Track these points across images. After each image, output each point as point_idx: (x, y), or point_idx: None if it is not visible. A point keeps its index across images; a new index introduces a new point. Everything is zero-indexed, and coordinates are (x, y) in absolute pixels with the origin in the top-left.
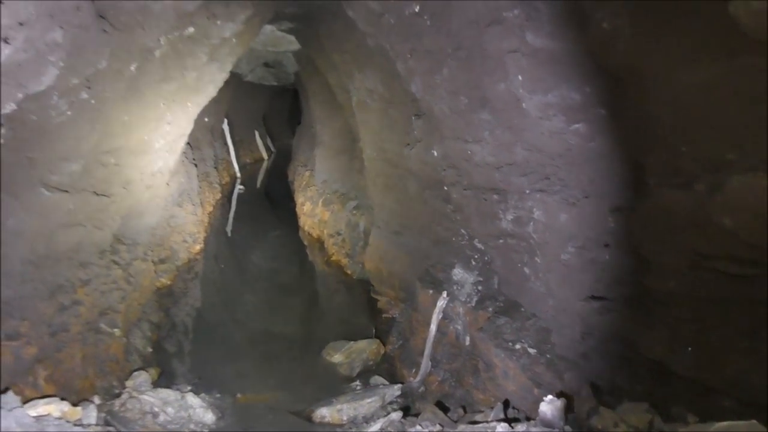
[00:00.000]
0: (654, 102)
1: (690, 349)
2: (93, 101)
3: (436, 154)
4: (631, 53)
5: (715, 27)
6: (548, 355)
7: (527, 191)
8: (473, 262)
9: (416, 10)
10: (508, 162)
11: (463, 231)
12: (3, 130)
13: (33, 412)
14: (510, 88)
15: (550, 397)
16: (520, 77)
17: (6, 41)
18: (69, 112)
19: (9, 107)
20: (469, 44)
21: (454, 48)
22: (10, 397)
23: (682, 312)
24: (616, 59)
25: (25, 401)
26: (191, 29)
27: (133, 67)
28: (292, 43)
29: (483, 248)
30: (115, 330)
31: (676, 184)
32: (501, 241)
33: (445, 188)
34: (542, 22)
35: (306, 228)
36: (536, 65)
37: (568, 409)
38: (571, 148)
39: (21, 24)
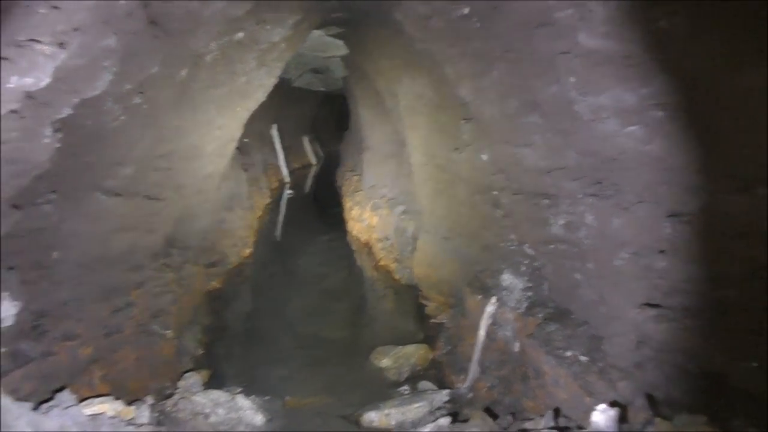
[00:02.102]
0: (714, 104)
1: (751, 361)
2: (145, 106)
3: (485, 158)
4: (689, 54)
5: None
6: (600, 364)
7: (579, 196)
8: (523, 268)
9: (465, 12)
10: (558, 166)
11: (512, 236)
12: (60, 135)
13: (88, 411)
14: (561, 90)
15: (603, 406)
16: (571, 79)
17: (61, 46)
18: (123, 117)
19: (65, 112)
20: (518, 46)
21: (503, 50)
22: (66, 396)
23: (742, 322)
24: (674, 60)
25: (81, 400)
26: (240, 34)
27: (184, 73)
28: (340, 48)
29: (533, 254)
30: (167, 332)
31: (736, 188)
32: (551, 246)
33: (495, 193)
34: (596, 23)
35: (354, 232)
36: (589, 67)
37: (622, 419)
38: (625, 151)
39: (76, 29)
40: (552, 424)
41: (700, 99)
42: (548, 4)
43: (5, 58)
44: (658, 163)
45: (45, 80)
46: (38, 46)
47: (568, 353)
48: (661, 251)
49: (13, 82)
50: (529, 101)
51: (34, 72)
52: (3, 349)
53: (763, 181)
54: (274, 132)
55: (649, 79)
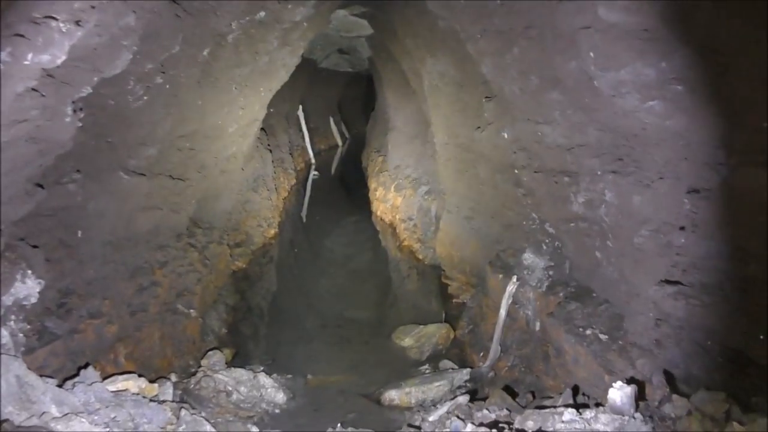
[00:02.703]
0: (735, 76)
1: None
2: (168, 86)
3: (506, 136)
4: (711, 25)
5: None
6: (620, 342)
7: (599, 173)
8: (544, 247)
9: None
10: (579, 143)
11: (533, 215)
12: (81, 114)
13: (112, 387)
14: (582, 66)
15: (619, 383)
16: (592, 54)
17: (78, 23)
18: (145, 97)
19: (85, 90)
20: (540, 22)
21: (524, 27)
22: (90, 372)
23: (762, 298)
24: (695, 32)
25: (105, 377)
26: (262, 13)
27: (206, 52)
28: (364, 28)
29: (554, 232)
30: (192, 311)
31: (758, 162)
32: (572, 224)
33: (516, 171)
34: None
35: (379, 213)
36: (609, 41)
37: (640, 397)
38: (646, 127)
39: (93, 7)
40: (570, 402)
41: (719, 72)
42: None
43: (20, 35)
44: (679, 138)
45: (61, 57)
46: (54, 23)
47: (588, 332)
48: (681, 228)
49: (29, 58)
50: (550, 78)
51: (50, 49)
52: (28, 326)
53: None
54: (300, 113)
55: (668, 53)
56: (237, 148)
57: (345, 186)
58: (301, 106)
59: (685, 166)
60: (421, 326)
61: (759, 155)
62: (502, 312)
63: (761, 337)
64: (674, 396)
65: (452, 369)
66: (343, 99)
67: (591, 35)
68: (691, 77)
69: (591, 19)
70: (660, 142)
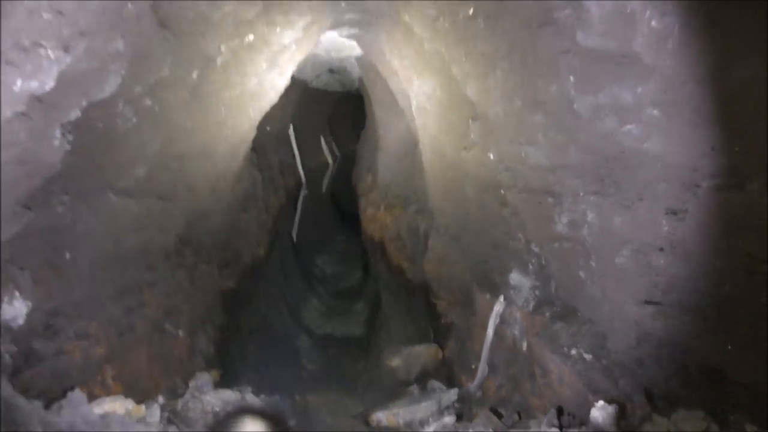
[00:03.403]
0: (706, 101)
1: (748, 355)
2: (157, 108)
3: (492, 157)
4: (681, 52)
5: (764, 22)
6: (604, 361)
7: (581, 194)
8: (530, 267)
9: (470, 12)
10: (561, 164)
11: (519, 235)
12: (70, 137)
13: (99, 410)
14: (562, 89)
15: (601, 402)
16: (571, 78)
17: (67, 50)
18: (134, 119)
19: (74, 114)
20: (522, 46)
21: (507, 50)
22: (77, 395)
23: (740, 317)
24: (667, 58)
25: (92, 399)
26: (251, 36)
27: (194, 75)
28: (354, 49)
29: (539, 252)
30: (180, 331)
31: (730, 185)
32: (556, 244)
33: (502, 191)
34: (592, 22)
35: (368, 232)
36: (588, 65)
37: (621, 416)
38: (624, 150)
39: (82, 34)
40: (555, 422)
41: (693, 96)
42: (549, 4)
43: (9, 63)
44: (656, 161)
45: (50, 83)
46: (42, 51)
47: (573, 351)
48: (661, 249)
49: (18, 85)
50: (532, 100)
51: (39, 75)
52: (15, 348)
53: (756, 176)
54: (291, 132)
55: (644, 78)
56: (226, 168)
57: (335, 204)
58: (291, 125)
59: (663, 188)
60: (410, 346)
61: (729, 178)
62: (490, 332)
63: (738, 355)
64: (654, 415)
65: (440, 389)
66: (333, 118)
67: (570, 59)
68: (666, 102)
69: (570, 44)
70: (638, 164)
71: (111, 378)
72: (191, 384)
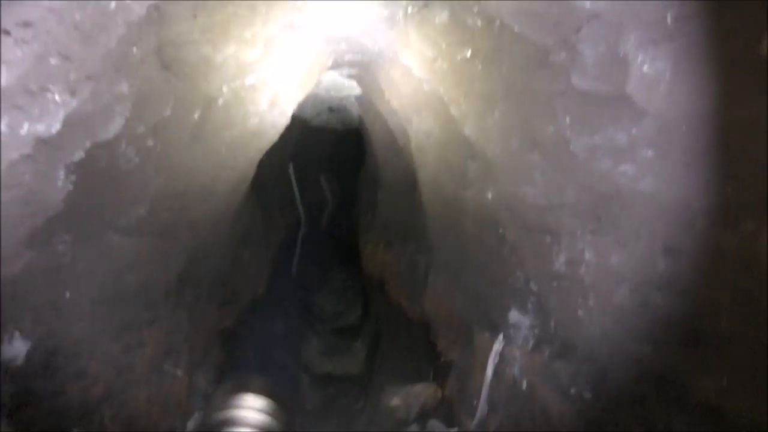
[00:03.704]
0: (699, 142)
1: (748, 392)
2: (159, 148)
3: (490, 195)
4: (673, 95)
5: (752, 67)
6: (605, 400)
7: (578, 232)
8: (529, 305)
9: (468, 55)
10: (559, 203)
11: (518, 273)
12: (73, 177)
13: None
14: (559, 130)
15: None
16: (567, 119)
17: (73, 94)
18: (136, 159)
19: (78, 155)
20: (519, 87)
21: (504, 91)
22: None
23: (738, 355)
24: (660, 101)
25: None
26: (252, 77)
27: (196, 115)
28: (354, 89)
29: (538, 290)
30: (179, 371)
31: (724, 224)
32: (555, 283)
33: (501, 230)
34: (587, 66)
35: (368, 269)
36: (583, 107)
37: None
38: (620, 189)
39: (88, 78)
40: None
41: (686, 137)
42: (544, 48)
43: (17, 107)
44: (652, 200)
45: (56, 126)
46: (50, 95)
47: (573, 390)
48: (658, 287)
49: (25, 128)
50: (529, 140)
51: (46, 119)
52: (13, 389)
53: (750, 215)
54: (291, 170)
55: (638, 120)
56: (227, 206)
57: (335, 242)
58: (291, 163)
59: (659, 227)
60: (409, 385)
61: (723, 217)
62: (489, 371)
63: (738, 392)
64: None
65: (440, 429)
66: (333, 156)
67: (566, 101)
68: (660, 143)
69: (565, 86)
70: (634, 203)
71: (108, 418)
72: (189, 424)
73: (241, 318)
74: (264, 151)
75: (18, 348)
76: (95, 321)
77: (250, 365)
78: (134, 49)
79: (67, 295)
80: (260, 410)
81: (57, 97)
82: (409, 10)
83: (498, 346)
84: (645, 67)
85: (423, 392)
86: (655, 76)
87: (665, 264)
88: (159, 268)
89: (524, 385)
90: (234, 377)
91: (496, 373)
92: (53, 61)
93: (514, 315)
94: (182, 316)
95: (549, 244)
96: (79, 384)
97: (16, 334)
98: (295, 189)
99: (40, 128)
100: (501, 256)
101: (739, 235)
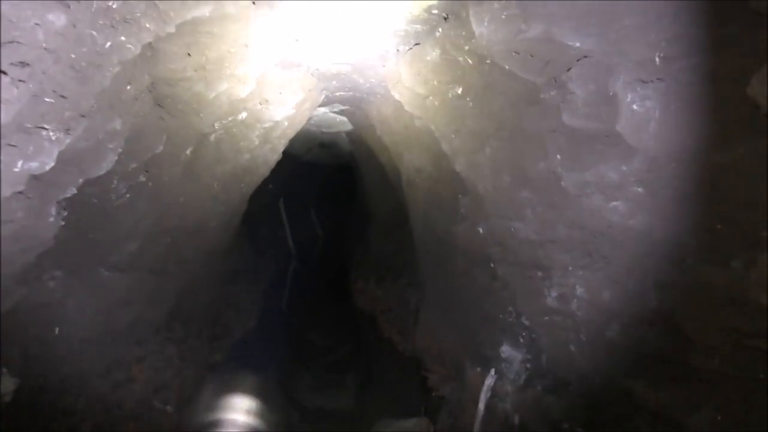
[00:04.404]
0: (689, 180)
1: (738, 428)
2: (150, 184)
3: (482, 231)
4: (663, 134)
5: (739, 108)
6: None
7: (570, 268)
8: (521, 339)
9: (459, 92)
10: (550, 239)
11: (510, 308)
12: (65, 213)
13: None
14: (550, 166)
15: None
16: (558, 156)
17: (68, 132)
18: (128, 195)
19: (70, 191)
20: (510, 124)
21: (495, 128)
22: None
23: (728, 392)
24: (650, 140)
25: None
26: (244, 114)
27: (188, 151)
28: (345, 125)
29: (530, 325)
30: (168, 407)
31: (713, 261)
32: (547, 318)
33: (492, 265)
34: (577, 104)
35: (359, 304)
36: (574, 144)
37: None
38: (612, 225)
39: (82, 116)
40: None
41: (676, 175)
42: (535, 86)
43: (11, 145)
44: (643, 236)
45: (50, 164)
46: (44, 132)
47: (566, 425)
48: (650, 323)
49: (19, 166)
50: (520, 176)
51: (40, 157)
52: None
53: (739, 254)
54: (281, 205)
55: (628, 157)
56: (218, 241)
57: (325, 277)
58: (281, 198)
59: (650, 264)
60: (401, 420)
61: (713, 254)
62: (481, 406)
63: (731, 429)
64: None
65: None
66: (324, 191)
67: (557, 138)
68: (650, 180)
69: (556, 124)
70: (625, 239)
71: None
72: None
73: (232, 352)
74: (255, 187)
75: (6, 386)
76: (84, 357)
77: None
78: (128, 87)
79: (57, 331)
80: (247, 411)
81: (51, 135)
82: (401, 48)
83: (490, 380)
84: (634, 106)
85: (415, 427)
86: (644, 114)
87: (656, 300)
88: (149, 304)
89: (516, 420)
90: (220, 377)
91: (488, 407)
92: (48, 99)
93: (506, 350)
94: (172, 351)
95: (541, 279)
96: (67, 421)
97: (5, 371)
98: (286, 224)
99: (34, 165)
100: (492, 291)
101: (729, 272)
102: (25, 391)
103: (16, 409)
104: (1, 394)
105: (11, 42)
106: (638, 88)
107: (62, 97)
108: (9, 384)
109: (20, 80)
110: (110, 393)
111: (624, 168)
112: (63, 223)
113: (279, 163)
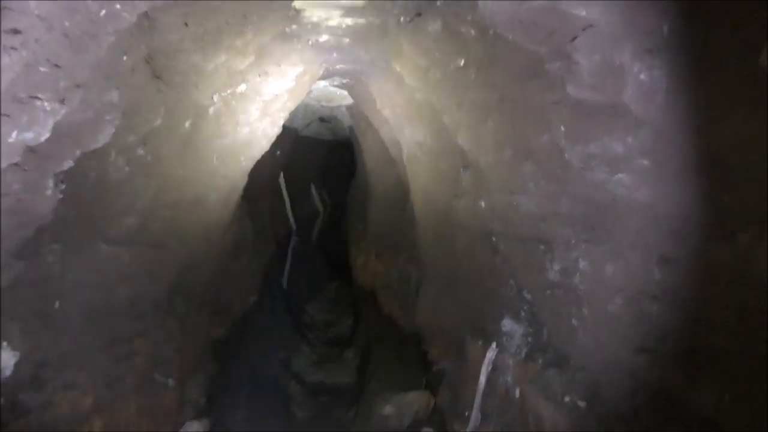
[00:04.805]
0: (696, 153)
1: (744, 407)
2: (149, 157)
3: (483, 205)
4: (670, 105)
5: (750, 78)
6: (598, 410)
7: (573, 242)
8: (522, 314)
9: (461, 64)
10: (553, 212)
11: (511, 282)
12: (63, 186)
13: None
14: (553, 139)
15: None
16: (562, 128)
17: (62, 102)
18: (126, 168)
19: (67, 164)
20: (513, 97)
21: (498, 100)
22: None
23: (732, 368)
24: (656, 111)
25: None
26: (243, 86)
27: (187, 124)
28: (345, 98)
29: (531, 299)
30: (170, 381)
31: (719, 236)
32: (548, 292)
33: (494, 239)
34: (582, 75)
35: (360, 280)
36: (578, 117)
37: None
38: (616, 198)
39: (78, 86)
40: None
41: (683, 147)
42: (539, 57)
43: (5, 115)
44: (647, 209)
45: (45, 135)
46: (39, 103)
47: (566, 399)
48: (654, 297)
49: (13, 137)
50: (523, 149)
51: (35, 127)
52: (1, 400)
53: (746, 228)
54: (281, 180)
55: (634, 129)
56: (218, 216)
57: (326, 253)
58: (282, 174)
59: (655, 237)
60: (402, 393)
61: (719, 229)
62: (482, 379)
63: (734, 406)
64: None
65: None
66: (324, 166)
67: (561, 110)
68: (655, 152)
69: (560, 96)
70: (630, 213)
71: (98, 429)
72: None
73: (233, 328)
74: (255, 161)
75: (6, 360)
76: (84, 332)
77: (242, 376)
78: (124, 58)
79: (56, 306)
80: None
81: (46, 105)
82: (402, 19)
83: (491, 354)
84: (642, 77)
85: (415, 400)
86: (652, 85)
87: (660, 274)
88: (150, 279)
89: (517, 393)
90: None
91: (489, 381)
92: (42, 68)
93: (507, 324)
94: (173, 326)
95: (543, 253)
96: (68, 396)
97: (5, 345)
98: (286, 199)
99: (29, 136)
100: (494, 265)
101: (735, 247)
102: (25, 366)
103: (17, 383)
104: (1, 367)
105: (2, 9)
106: (646, 58)
107: (56, 66)
108: (9, 358)
109: (12, 48)
110: (111, 367)
111: (630, 140)
112: (61, 196)
113: (279, 138)
